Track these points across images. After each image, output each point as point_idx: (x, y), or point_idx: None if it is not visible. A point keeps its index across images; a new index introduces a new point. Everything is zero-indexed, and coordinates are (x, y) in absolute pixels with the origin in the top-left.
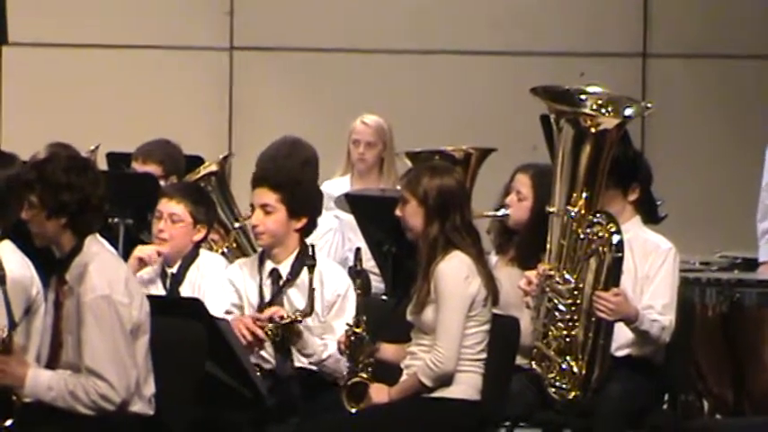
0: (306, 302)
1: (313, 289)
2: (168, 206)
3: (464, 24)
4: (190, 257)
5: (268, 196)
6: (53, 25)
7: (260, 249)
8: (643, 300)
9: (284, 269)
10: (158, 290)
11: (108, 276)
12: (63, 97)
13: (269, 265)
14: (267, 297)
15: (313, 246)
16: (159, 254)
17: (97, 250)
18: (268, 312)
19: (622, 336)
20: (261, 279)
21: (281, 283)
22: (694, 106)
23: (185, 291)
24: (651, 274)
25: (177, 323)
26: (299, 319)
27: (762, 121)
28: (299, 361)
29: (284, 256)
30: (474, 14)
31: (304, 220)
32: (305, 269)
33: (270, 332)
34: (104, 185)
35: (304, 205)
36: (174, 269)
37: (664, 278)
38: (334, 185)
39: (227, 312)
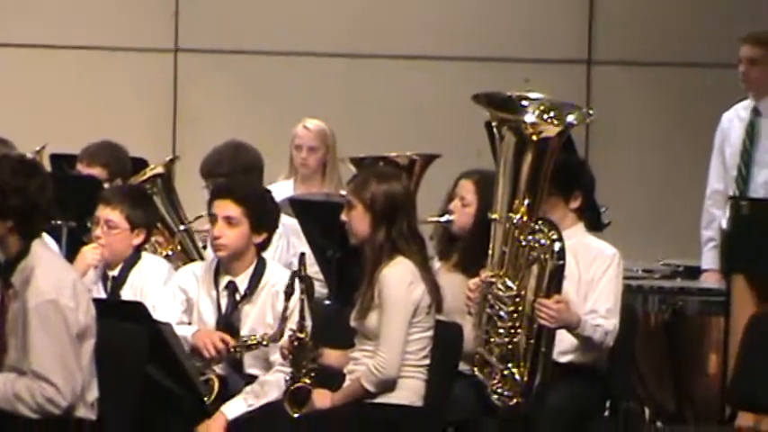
0: (276, 328)
1: (286, 317)
2: (104, 212)
3: (411, 29)
4: (131, 261)
5: (232, 209)
6: None
7: (212, 258)
8: (587, 304)
9: (241, 283)
10: (99, 293)
11: (55, 280)
12: (5, 97)
13: (225, 277)
14: (223, 310)
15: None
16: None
17: (44, 254)
18: (241, 339)
19: (565, 342)
20: (218, 292)
21: (237, 297)
22: (638, 113)
23: (126, 294)
24: (595, 279)
25: (119, 326)
26: (265, 343)
27: (705, 130)
28: (248, 369)
29: (241, 270)
30: (420, 19)
31: (264, 235)
32: (263, 287)
33: (235, 351)
34: (52, 189)
35: (266, 221)
36: (116, 272)
37: (608, 282)
38: (277, 190)
39: (181, 323)
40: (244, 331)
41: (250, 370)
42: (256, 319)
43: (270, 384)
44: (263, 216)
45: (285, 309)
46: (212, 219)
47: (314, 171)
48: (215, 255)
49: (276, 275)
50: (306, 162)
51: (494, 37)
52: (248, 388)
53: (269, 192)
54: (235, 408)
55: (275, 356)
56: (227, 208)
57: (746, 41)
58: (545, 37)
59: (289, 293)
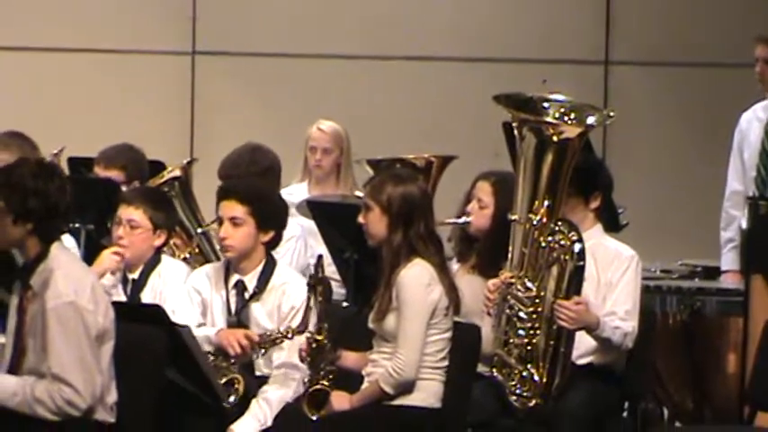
0: (300, 320)
1: (310, 308)
2: (127, 212)
3: (426, 30)
4: (151, 263)
5: (237, 209)
6: (15, 28)
7: (224, 259)
8: (606, 306)
9: (250, 282)
10: (119, 295)
11: (74, 283)
12: (23, 100)
13: (234, 276)
14: (233, 309)
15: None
16: (120, 255)
17: (63, 256)
18: (265, 335)
19: (584, 344)
20: (227, 291)
21: (246, 295)
22: (656, 114)
23: (146, 297)
24: (614, 281)
25: (138, 329)
26: (291, 336)
27: (723, 130)
28: (260, 370)
29: (250, 269)
30: (436, 20)
31: (271, 234)
32: (272, 287)
33: (260, 347)
34: (70, 192)
35: (272, 219)
36: (136, 275)
37: (626, 285)
38: (292, 192)
39: (200, 325)
40: (253, 329)
41: (263, 369)
42: (265, 317)
43: (274, 395)
44: (268, 213)
45: (309, 300)
46: (219, 221)
47: (328, 173)
48: (224, 256)
49: (284, 276)
50: (320, 164)
51: (511, 38)
52: (254, 403)
53: (274, 189)
54: (246, 427)
55: (277, 354)
56: (232, 208)
57: (762, 41)
58: (562, 38)
59: (312, 286)
